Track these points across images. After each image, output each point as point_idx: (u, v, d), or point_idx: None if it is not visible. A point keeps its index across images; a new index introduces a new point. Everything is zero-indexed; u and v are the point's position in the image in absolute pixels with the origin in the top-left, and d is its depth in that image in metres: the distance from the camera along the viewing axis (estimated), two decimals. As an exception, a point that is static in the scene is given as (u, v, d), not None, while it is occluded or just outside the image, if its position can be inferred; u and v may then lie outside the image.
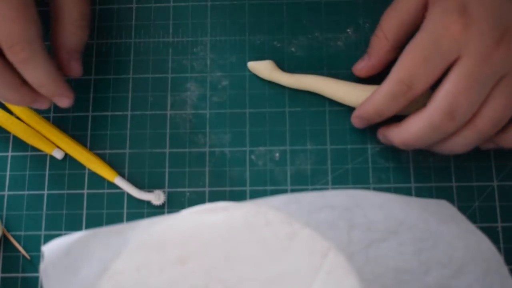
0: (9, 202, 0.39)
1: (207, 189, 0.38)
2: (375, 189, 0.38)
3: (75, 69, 0.37)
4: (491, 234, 0.37)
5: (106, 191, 0.39)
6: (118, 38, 0.41)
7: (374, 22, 0.40)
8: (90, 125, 0.40)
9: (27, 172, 0.39)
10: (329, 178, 0.38)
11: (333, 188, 0.38)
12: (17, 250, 0.38)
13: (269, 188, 0.38)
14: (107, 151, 0.39)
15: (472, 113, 0.32)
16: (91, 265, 0.27)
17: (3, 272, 0.38)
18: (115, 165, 0.39)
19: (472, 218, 0.37)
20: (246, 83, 0.40)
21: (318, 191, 0.29)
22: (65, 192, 0.39)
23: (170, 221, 0.27)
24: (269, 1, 0.41)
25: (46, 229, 0.38)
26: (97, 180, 0.39)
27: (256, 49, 0.41)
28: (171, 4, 0.42)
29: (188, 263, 0.27)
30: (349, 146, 0.38)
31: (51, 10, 0.36)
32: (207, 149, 0.39)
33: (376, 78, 0.38)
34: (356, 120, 0.37)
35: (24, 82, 0.34)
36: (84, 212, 0.38)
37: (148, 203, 0.38)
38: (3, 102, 0.40)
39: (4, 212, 0.39)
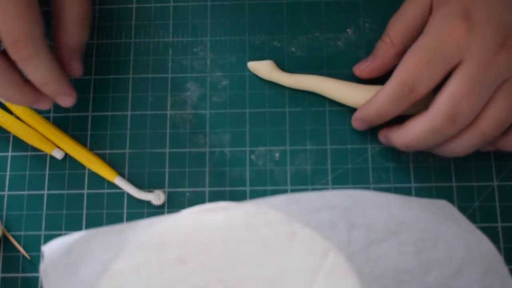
0: (9, 202, 0.39)
1: (207, 189, 0.38)
2: (375, 189, 0.38)
3: (76, 68, 0.37)
4: (491, 234, 0.37)
5: (106, 191, 0.39)
6: (118, 38, 0.41)
7: (374, 22, 0.40)
8: (90, 125, 0.40)
9: (27, 172, 0.39)
10: (329, 178, 0.38)
11: (333, 188, 0.38)
12: (17, 250, 0.38)
13: (269, 188, 0.38)
14: (107, 151, 0.39)
15: (473, 116, 0.32)
16: (91, 265, 0.27)
17: (3, 272, 0.38)
18: (115, 165, 0.39)
19: (472, 218, 0.37)
20: (246, 83, 0.40)
21: (318, 191, 0.29)
22: (65, 192, 0.39)
23: (170, 221, 0.27)
24: (269, 1, 0.41)
25: (46, 229, 0.38)
26: (97, 180, 0.39)
27: (256, 49, 0.41)
28: (171, 4, 0.42)
29: (188, 263, 0.27)
30: (349, 146, 0.38)
31: (53, 10, 0.36)
32: (207, 149, 0.39)
33: (375, 80, 0.38)
34: (357, 122, 0.37)
35: (26, 81, 0.34)
36: (84, 212, 0.38)
37: (148, 203, 0.38)
38: (5, 101, 0.40)
39: (4, 212, 0.39)
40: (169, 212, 0.38)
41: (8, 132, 0.40)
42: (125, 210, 0.38)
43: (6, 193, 0.39)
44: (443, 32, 0.32)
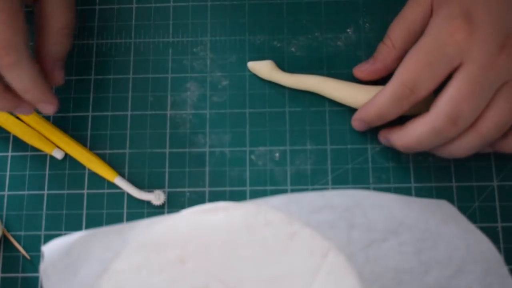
0: (9, 202, 0.39)
1: (207, 189, 0.38)
2: (375, 189, 0.38)
3: (58, 77, 0.36)
4: (491, 234, 0.37)
5: (106, 191, 0.39)
6: (118, 38, 0.41)
7: (374, 22, 0.40)
8: (90, 125, 0.40)
9: (27, 172, 0.39)
10: (329, 178, 0.38)
11: (333, 188, 0.38)
12: (17, 250, 0.38)
13: (269, 188, 0.38)
14: (107, 151, 0.39)
15: (474, 118, 0.32)
16: (91, 265, 0.27)
17: (3, 272, 0.38)
18: (115, 165, 0.39)
19: (472, 218, 0.37)
20: (246, 83, 0.40)
21: (318, 191, 0.29)
22: (65, 192, 0.39)
23: (170, 221, 0.27)
24: (269, 1, 0.41)
25: (46, 229, 0.38)
26: (97, 180, 0.39)
27: (256, 49, 0.41)
28: (171, 4, 0.42)
29: (188, 263, 0.27)
30: (349, 146, 0.38)
31: (36, 18, 0.36)
32: (207, 149, 0.39)
33: (375, 80, 0.38)
34: (357, 123, 0.37)
35: (7, 88, 0.34)
36: (84, 212, 0.38)
37: (148, 203, 0.38)
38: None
39: (4, 212, 0.39)
40: (169, 212, 0.38)
41: (8, 132, 0.40)
42: (125, 210, 0.38)
43: (6, 193, 0.39)
44: (444, 33, 0.32)
